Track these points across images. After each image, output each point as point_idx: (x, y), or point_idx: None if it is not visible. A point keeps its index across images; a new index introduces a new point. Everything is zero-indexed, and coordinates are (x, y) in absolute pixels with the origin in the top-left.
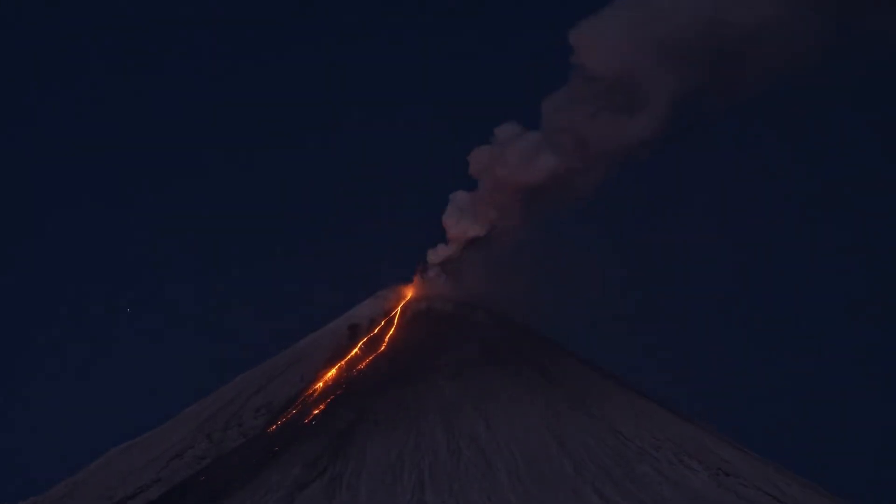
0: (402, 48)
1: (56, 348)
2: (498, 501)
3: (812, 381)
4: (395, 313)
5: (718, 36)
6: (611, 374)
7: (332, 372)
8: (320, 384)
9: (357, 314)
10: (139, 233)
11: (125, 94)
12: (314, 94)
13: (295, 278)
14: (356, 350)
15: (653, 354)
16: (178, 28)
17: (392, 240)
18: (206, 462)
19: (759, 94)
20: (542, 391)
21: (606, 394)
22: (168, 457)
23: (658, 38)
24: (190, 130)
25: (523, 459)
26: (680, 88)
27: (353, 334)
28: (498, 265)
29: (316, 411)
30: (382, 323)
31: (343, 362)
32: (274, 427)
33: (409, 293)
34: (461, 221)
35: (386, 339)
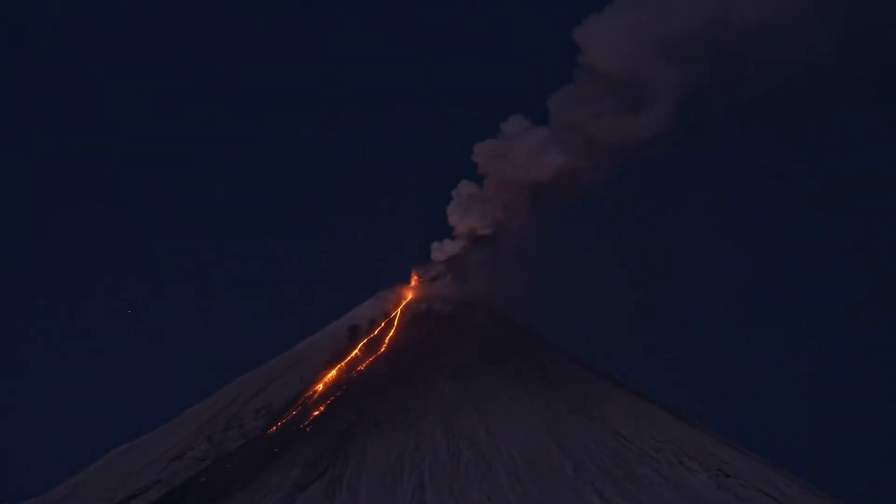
0: (402, 47)
1: (56, 349)
2: (498, 502)
3: (812, 381)
4: (395, 314)
5: (722, 34)
6: (611, 375)
7: (332, 373)
8: (320, 385)
9: (357, 315)
10: (139, 233)
11: (124, 93)
12: (314, 94)
13: (295, 279)
14: (356, 351)
15: (653, 355)
16: (178, 27)
17: (392, 240)
18: (206, 463)
19: (760, 94)
20: (542, 392)
21: (606, 395)
22: (168, 458)
23: (662, 36)
24: (189, 129)
25: (523, 460)
26: (685, 86)
27: (353, 336)
28: (501, 265)
29: (316, 413)
30: (382, 324)
31: (343, 364)
32: (274, 428)
33: (409, 294)
34: (467, 216)
35: (386, 341)
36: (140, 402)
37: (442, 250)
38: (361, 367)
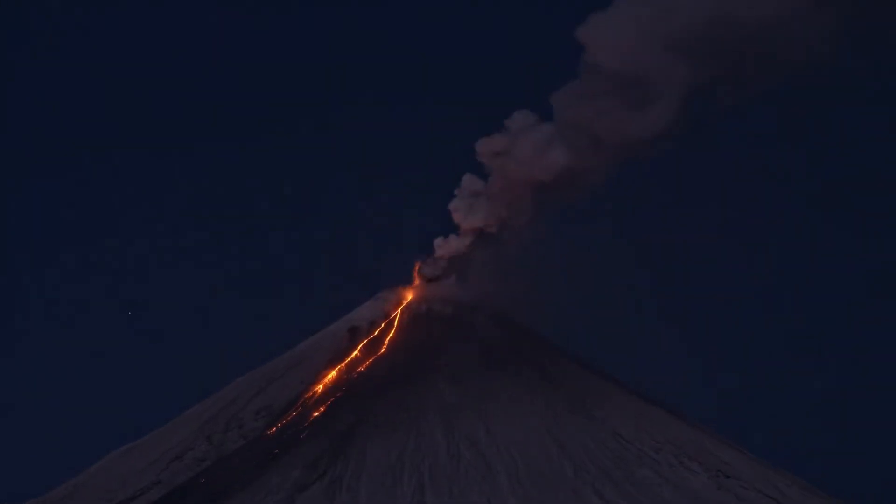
0: (402, 47)
1: (56, 349)
2: (497, 503)
3: (812, 381)
4: (396, 315)
5: (726, 32)
6: (611, 375)
7: (333, 374)
8: (320, 386)
9: (357, 316)
10: (139, 233)
11: (124, 93)
12: (315, 94)
13: (295, 279)
14: (356, 352)
15: (653, 356)
16: (178, 27)
17: (392, 240)
18: (207, 464)
19: (766, 91)
20: (542, 393)
21: (606, 396)
22: (168, 459)
23: (666, 34)
24: (189, 129)
25: (523, 461)
26: (689, 84)
27: (353, 336)
28: (502, 265)
29: (316, 413)
30: (382, 325)
31: (343, 364)
32: (274, 429)
33: (409, 295)
34: (471, 213)
35: (386, 342)
36: (140, 403)
37: (446, 246)
38: (361, 368)
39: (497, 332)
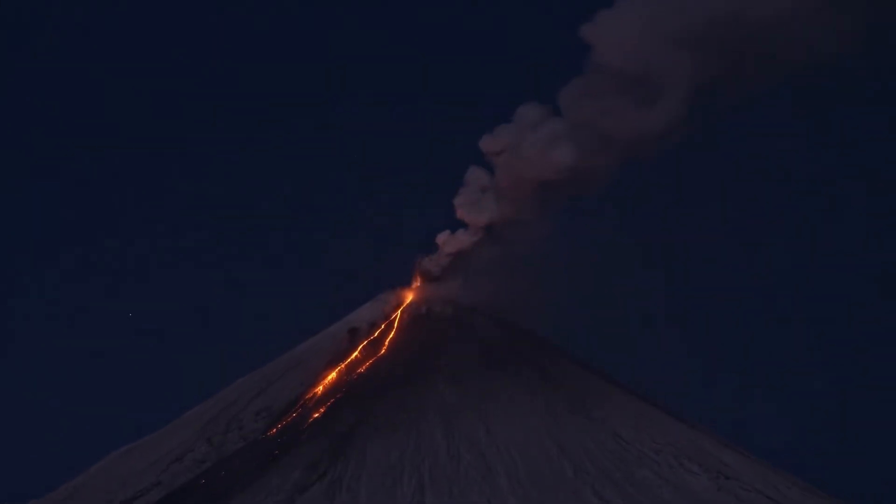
0: (402, 47)
1: (56, 350)
2: None
3: (812, 382)
4: (396, 316)
5: (732, 30)
6: (611, 376)
7: (332, 375)
8: (320, 387)
9: (357, 317)
10: (139, 233)
11: (124, 93)
12: (315, 94)
13: (295, 279)
14: (356, 353)
15: (654, 356)
16: (178, 27)
17: (392, 240)
18: (207, 465)
19: (768, 90)
20: (542, 394)
21: (606, 396)
22: (168, 460)
23: (671, 31)
24: (189, 129)
25: (523, 462)
26: (695, 82)
27: (353, 338)
28: (505, 264)
29: (316, 414)
30: (382, 326)
31: (343, 365)
32: (274, 430)
33: (409, 296)
34: (477, 209)
35: (386, 343)
36: (140, 404)
37: (451, 242)
38: (361, 369)
39: (497, 333)
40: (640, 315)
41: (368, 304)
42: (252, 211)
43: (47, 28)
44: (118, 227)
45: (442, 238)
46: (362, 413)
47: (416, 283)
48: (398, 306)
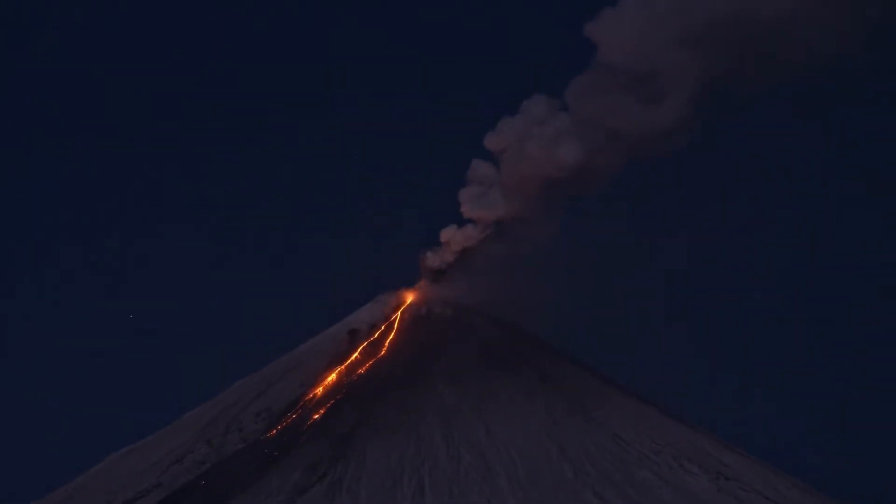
0: (402, 47)
1: (56, 350)
2: None
3: (812, 383)
4: (395, 318)
5: (736, 29)
6: (611, 377)
7: (332, 376)
8: (320, 389)
9: (357, 319)
10: (139, 233)
11: (124, 93)
12: (315, 93)
13: (295, 280)
14: (356, 354)
15: (654, 356)
16: (178, 27)
17: (393, 240)
18: (207, 467)
19: (770, 90)
20: (541, 395)
21: (606, 397)
22: (168, 461)
23: (675, 29)
24: (189, 129)
25: (523, 464)
26: (699, 81)
27: (353, 339)
28: (506, 263)
29: (316, 416)
30: (382, 327)
31: (343, 367)
32: (274, 431)
33: (409, 297)
34: (482, 204)
35: (386, 344)
36: (140, 405)
37: (458, 238)
38: (361, 371)
39: (497, 334)
40: (640, 315)
41: (368, 306)
42: (252, 211)
43: (47, 28)
44: (118, 227)
45: (448, 233)
46: (362, 414)
47: (421, 281)
48: (398, 307)
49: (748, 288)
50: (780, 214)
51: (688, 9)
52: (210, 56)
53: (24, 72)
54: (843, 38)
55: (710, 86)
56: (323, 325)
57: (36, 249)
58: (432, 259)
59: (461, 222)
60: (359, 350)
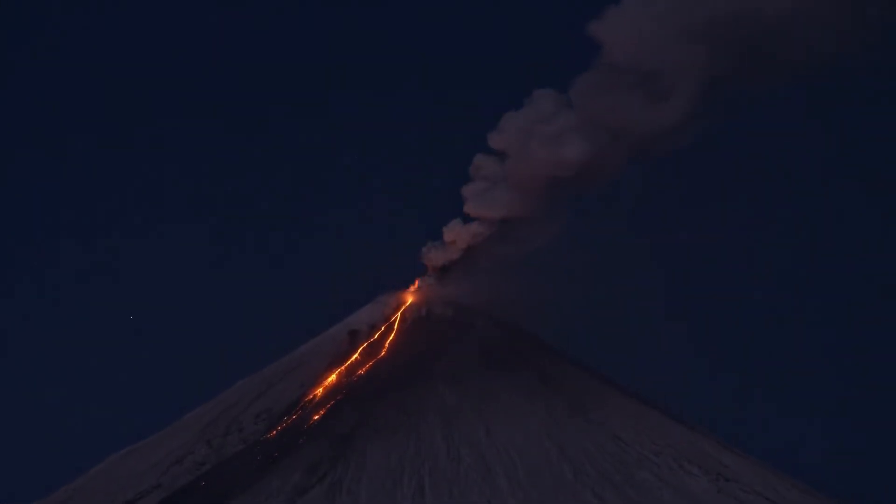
0: (402, 47)
1: (56, 351)
2: None
3: (811, 383)
4: (395, 318)
5: (733, 29)
6: (611, 378)
7: (332, 377)
8: (320, 389)
9: (357, 319)
10: (139, 233)
11: (124, 93)
12: (314, 93)
13: (295, 281)
14: (356, 355)
15: (654, 356)
16: (178, 26)
17: (392, 241)
18: (207, 467)
19: (770, 89)
20: (541, 396)
21: (606, 398)
22: (168, 462)
23: (679, 27)
24: (189, 130)
25: (523, 464)
26: (701, 80)
27: (353, 339)
28: (506, 264)
29: (316, 417)
30: (382, 328)
31: (343, 367)
32: (274, 432)
33: (409, 298)
34: (487, 202)
35: (386, 345)
36: (140, 406)
37: (463, 236)
38: (361, 371)
39: (497, 334)
40: (640, 315)
41: (368, 306)
42: (252, 211)
43: (47, 28)
44: (118, 227)
45: (453, 232)
46: (362, 415)
47: (422, 277)
48: (398, 308)
49: (748, 288)
50: (781, 214)
51: (689, 7)
52: (210, 56)
53: (23, 72)
54: (844, 38)
55: (714, 84)
56: (323, 326)
57: (36, 249)
58: (437, 256)
59: (463, 219)
60: (359, 351)
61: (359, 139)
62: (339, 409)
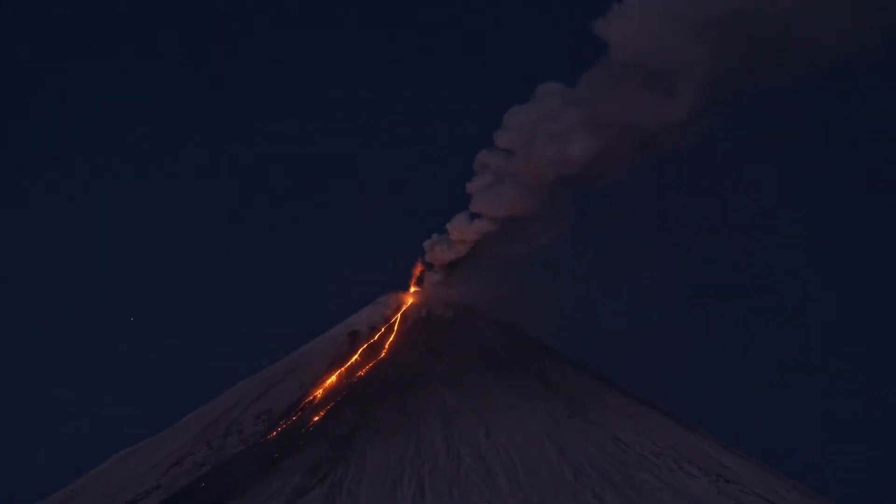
0: (401, 46)
1: (56, 352)
2: None
3: (811, 383)
4: (395, 320)
5: (733, 29)
6: (610, 379)
7: (333, 378)
8: (320, 391)
9: (357, 321)
10: (139, 234)
11: (124, 93)
12: (314, 93)
13: (295, 282)
14: (356, 356)
15: (653, 358)
16: (178, 26)
17: (393, 241)
18: (206, 469)
19: (771, 89)
20: (541, 397)
21: (606, 400)
22: (168, 463)
23: (685, 25)
24: (189, 130)
25: (523, 465)
26: (708, 76)
27: (353, 341)
28: (506, 264)
29: (316, 418)
30: (382, 329)
31: (343, 369)
32: (274, 433)
33: (409, 300)
34: (490, 201)
35: (386, 346)
36: (140, 407)
37: (468, 236)
38: (361, 373)
39: (497, 336)
40: (640, 315)
41: (368, 308)
42: (252, 211)
43: (47, 27)
44: (118, 228)
45: (459, 229)
46: (362, 416)
47: (423, 274)
48: (398, 309)
49: (748, 287)
50: (781, 214)
51: (691, 6)
52: (210, 56)
53: (22, 71)
54: (845, 37)
55: (719, 83)
56: (323, 327)
57: (36, 250)
58: (442, 252)
59: (469, 214)
60: (359, 352)
61: (358, 139)
62: (339, 411)
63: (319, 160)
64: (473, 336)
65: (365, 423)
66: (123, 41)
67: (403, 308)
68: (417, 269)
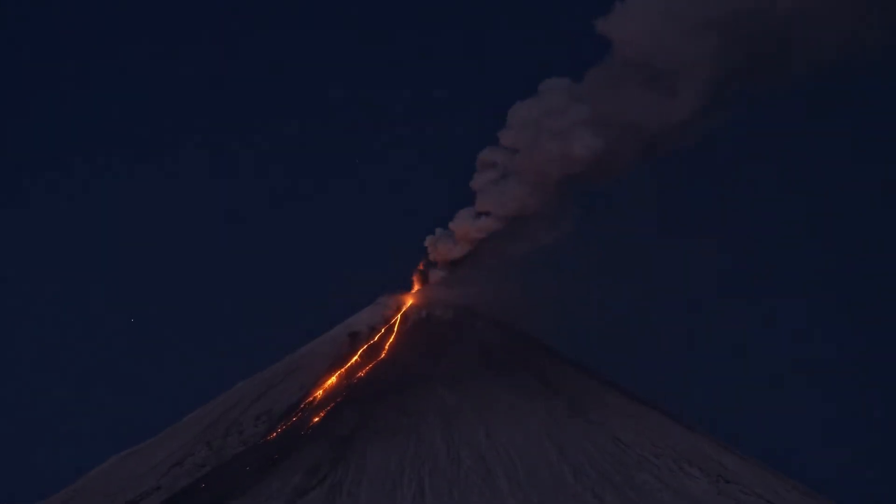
0: (401, 46)
1: (56, 352)
2: None
3: (811, 384)
4: (396, 320)
5: (733, 29)
6: (610, 379)
7: (333, 379)
8: (320, 391)
9: (357, 321)
10: (139, 235)
11: (125, 93)
12: (314, 94)
13: (295, 283)
14: (356, 357)
15: (653, 358)
16: (178, 26)
17: (392, 241)
18: (207, 469)
19: (772, 89)
20: (541, 397)
21: (606, 400)
22: (168, 464)
23: (687, 23)
24: (187, 129)
25: (523, 466)
26: (709, 75)
27: (354, 341)
28: (506, 264)
29: (316, 419)
30: (382, 330)
31: (343, 369)
32: (274, 434)
33: (409, 300)
34: (494, 199)
35: (386, 347)
36: (140, 408)
37: (472, 234)
38: (361, 374)
39: (497, 336)
40: (639, 315)
41: (368, 308)
42: (252, 211)
43: (47, 27)
44: (118, 229)
45: (463, 227)
46: (362, 417)
47: (424, 273)
48: (398, 310)
49: (748, 287)
50: (781, 214)
51: (692, 5)
52: (209, 56)
53: (22, 71)
54: (845, 37)
55: (720, 83)
56: (323, 328)
57: (37, 250)
58: (446, 249)
59: (473, 210)
60: (359, 353)
61: (358, 138)
62: (339, 411)
63: (319, 160)
64: (473, 336)
65: (365, 424)
66: (123, 41)
67: (403, 309)
68: (421, 267)
